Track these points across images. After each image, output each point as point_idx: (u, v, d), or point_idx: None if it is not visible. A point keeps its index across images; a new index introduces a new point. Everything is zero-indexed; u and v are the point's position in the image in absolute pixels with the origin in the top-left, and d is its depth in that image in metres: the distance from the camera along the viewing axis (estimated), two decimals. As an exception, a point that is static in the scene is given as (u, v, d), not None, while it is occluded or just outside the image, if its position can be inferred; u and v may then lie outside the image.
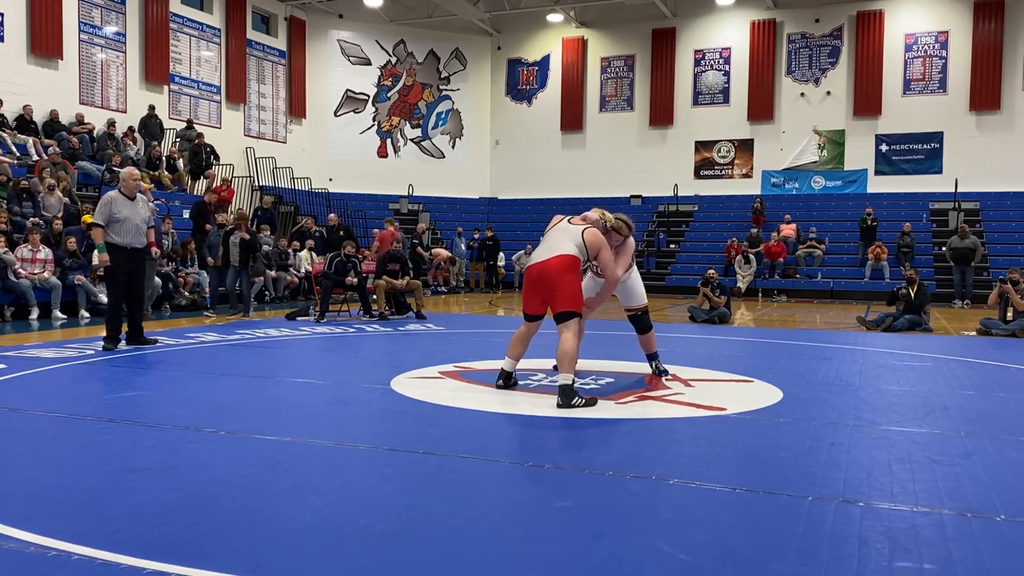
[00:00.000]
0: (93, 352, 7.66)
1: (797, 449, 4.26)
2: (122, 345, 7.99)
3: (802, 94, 22.67)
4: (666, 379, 6.43)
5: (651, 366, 6.66)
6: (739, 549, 2.79)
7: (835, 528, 3.01)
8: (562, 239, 5.72)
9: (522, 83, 25.55)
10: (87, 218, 12.90)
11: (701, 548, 2.80)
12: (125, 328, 8.17)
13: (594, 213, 6.17)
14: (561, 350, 5.41)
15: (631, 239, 6.38)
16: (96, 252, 7.92)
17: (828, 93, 22.44)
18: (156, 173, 17.16)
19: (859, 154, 22.22)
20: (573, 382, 5.31)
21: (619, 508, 3.25)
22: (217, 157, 19.14)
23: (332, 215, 17.91)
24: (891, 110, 21.83)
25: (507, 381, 5.89)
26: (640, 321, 6.56)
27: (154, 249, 8.51)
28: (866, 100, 21.94)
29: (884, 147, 22.01)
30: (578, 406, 5.18)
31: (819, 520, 3.09)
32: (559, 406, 5.19)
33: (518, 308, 15.54)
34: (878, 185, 22.02)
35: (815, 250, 19.95)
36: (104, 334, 8.07)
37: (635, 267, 6.62)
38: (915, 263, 17.67)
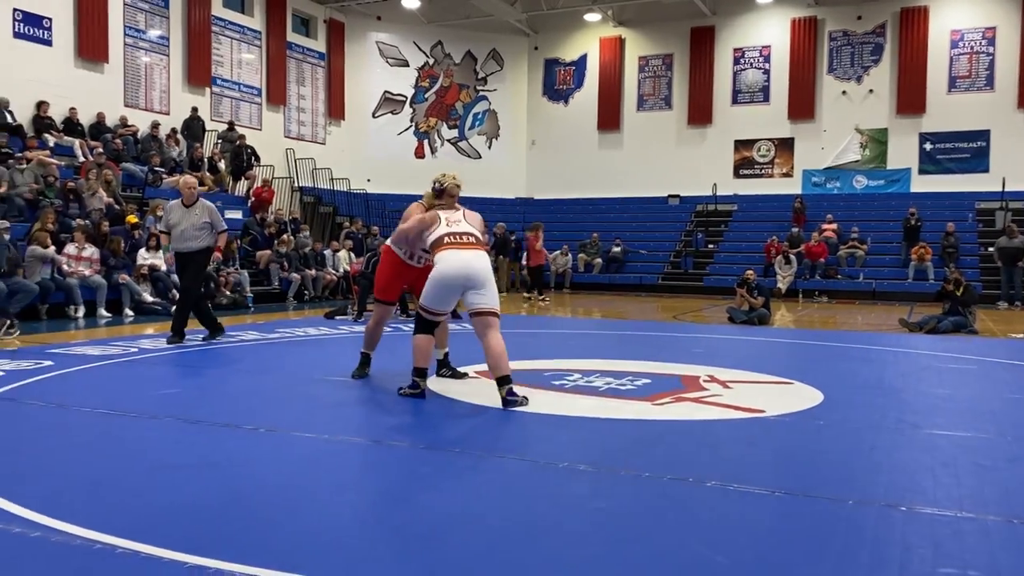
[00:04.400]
0: (137, 350, 7.81)
1: (837, 452, 4.20)
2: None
3: (844, 92, 22.32)
4: (703, 380, 6.36)
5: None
6: (778, 552, 2.76)
7: (876, 533, 2.96)
8: None
9: (559, 83, 25.51)
10: (131, 218, 13.17)
11: (739, 551, 2.77)
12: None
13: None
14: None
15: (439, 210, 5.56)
16: (162, 253, 8.77)
17: (871, 91, 22.07)
18: (199, 174, 17.43)
19: (902, 153, 21.83)
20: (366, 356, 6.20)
21: (656, 510, 3.23)
22: (258, 158, 19.39)
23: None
24: (936, 108, 21.39)
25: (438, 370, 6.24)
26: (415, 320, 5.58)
27: (215, 254, 8.58)
28: (910, 98, 21.54)
29: (928, 146, 21.59)
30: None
31: (860, 524, 3.05)
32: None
33: (554, 308, 15.56)
34: (922, 184, 21.60)
35: (857, 250, 19.65)
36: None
37: (441, 259, 5.28)
38: (960, 264, 17.32)
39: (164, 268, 12.46)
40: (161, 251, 8.76)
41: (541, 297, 17.28)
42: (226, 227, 8.80)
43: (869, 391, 6.11)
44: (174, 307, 8.91)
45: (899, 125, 21.78)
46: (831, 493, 3.42)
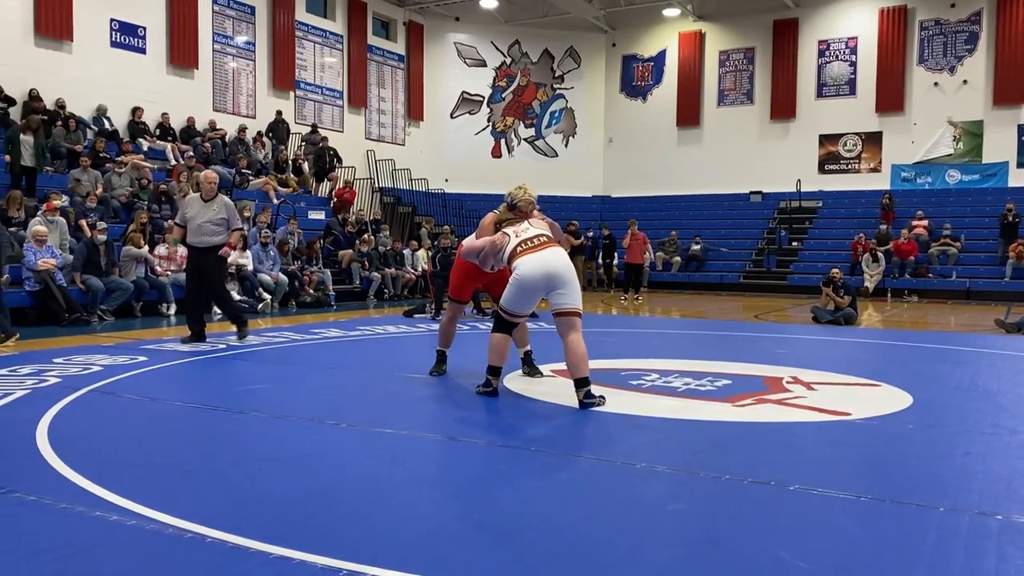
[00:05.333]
0: (224, 346, 8.07)
1: (927, 457, 4.05)
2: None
3: (935, 84, 21.48)
4: (786, 382, 6.22)
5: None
6: (863, 559, 2.68)
7: (969, 541, 2.85)
8: None
9: (637, 79, 25.28)
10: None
11: (822, 557, 2.70)
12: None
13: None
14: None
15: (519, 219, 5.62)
16: (174, 245, 8.85)
17: (965, 82, 21.17)
18: (283, 176, 17.91)
19: (999, 146, 20.87)
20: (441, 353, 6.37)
21: (735, 513, 3.17)
22: (340, 160, 19.81)
23: None
24: (1037, 98, 20.39)
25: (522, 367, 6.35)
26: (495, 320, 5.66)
27: (223, 249, 8.18)
28: (1008, 88, 20.56)
29: (1028, 138, 20.60)
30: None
31: (952, 532, 2.93)
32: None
33: (631, 306, 15.43)
34: (1021, 178, 20.62)
35: (949, 248, 18.90)
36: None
37: (520, 265, 5.26)
38: (1063, 261, 16.49)
39: (250, 268, 12.84)
40: (173, 243, 8.94)
41: (623, 296, 17.19)
42: (242, 225, 8.77)
43: (962, 394, 5.87)
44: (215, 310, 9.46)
45: (996, 117, 20.84)
46: (920, 499, 3.30)
